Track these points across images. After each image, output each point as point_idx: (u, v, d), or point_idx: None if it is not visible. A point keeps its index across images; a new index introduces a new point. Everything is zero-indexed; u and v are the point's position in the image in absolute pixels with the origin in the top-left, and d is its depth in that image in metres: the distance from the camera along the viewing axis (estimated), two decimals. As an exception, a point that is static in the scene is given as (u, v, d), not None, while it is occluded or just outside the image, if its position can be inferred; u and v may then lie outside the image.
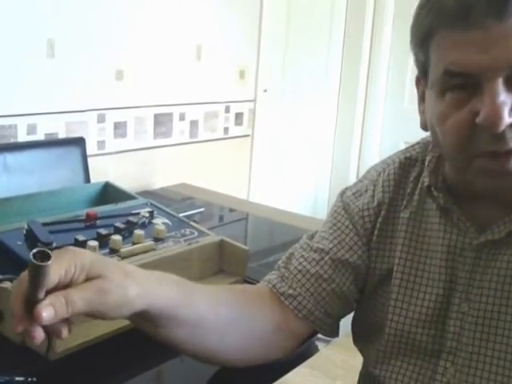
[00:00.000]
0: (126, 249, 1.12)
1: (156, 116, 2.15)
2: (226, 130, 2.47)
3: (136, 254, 1.11)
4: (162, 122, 2.18)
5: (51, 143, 1.75)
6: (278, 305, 0.86)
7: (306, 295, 0.86)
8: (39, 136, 1.78)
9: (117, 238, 1.12)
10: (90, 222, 1.20)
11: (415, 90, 0.84)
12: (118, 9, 1.94)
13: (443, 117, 0.73)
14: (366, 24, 3.05)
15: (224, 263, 1.24)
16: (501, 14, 0.66)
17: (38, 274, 0.58)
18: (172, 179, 2.17)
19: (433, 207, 0.83)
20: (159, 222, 1.24)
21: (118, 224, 1.18)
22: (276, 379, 1.03)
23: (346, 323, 0.93)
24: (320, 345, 1.16)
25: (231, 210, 1.93)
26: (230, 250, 1.23)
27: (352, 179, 2.98)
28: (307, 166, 3.10)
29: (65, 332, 0.64)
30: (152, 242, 1.16)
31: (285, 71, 2.81)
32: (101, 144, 1.97)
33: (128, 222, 1.20)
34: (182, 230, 1.24)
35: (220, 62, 2.36)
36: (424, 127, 0.81)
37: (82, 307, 0.63)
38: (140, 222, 1.22)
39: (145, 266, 0.91)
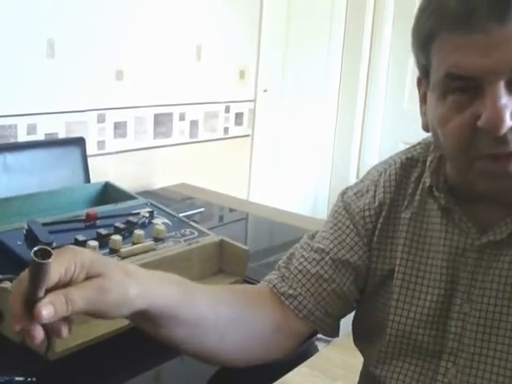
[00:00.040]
0: (126, 249, 1.12)
1: (156, 116, 2.15)
2: (225, 129, 2.46)
3: (136, 254, 1.11)
4: (161, 122, 2.17)
5: (51, 143, 1.75)
6: (278, 305, 0.86)
7: (307, 295, 0.86)
8: (39, 136, 1.78)
9: (117, 238, 1.12)
10: (89, 222, 1.20)
11: (415, 90, 0.84)
12: (118, 9, 1.94)
13: (444, 119, 0.73)
14: (366, 24, 3.04)
15: (224, 263, 1.24)
16: (502, 18, 0.66)
17: (38, 272, 0.58)
18: (172, 179, 2.17)
19: (434, 208, 0.83)
20: (159, 221, 1.24)
21: (117, 224, 1.18)
22: (276, 379, 1.03)
23: (346, 323, 0.93)
24: (320, 345, 1.15)
25: (231, 210, 1.93)
26: (230, 250, 1.23)
27: (352, 179, 2.98)
28: (307, 165, 3.09)
29: (65, 331, 0.63)
30: (152, 242, 1.16)
31: (285, 71, 2.81)
32: (101, 144, 1.97)
33: (128, 222, 1.20)
34: (182, 230, 1.24)
35: (220, 61, 2.35)
36: (426, 128, 0.81)
37: (82, 306, 0.62)
38: (140, 221, 1.22)
39: (145, 266, 0.91)
